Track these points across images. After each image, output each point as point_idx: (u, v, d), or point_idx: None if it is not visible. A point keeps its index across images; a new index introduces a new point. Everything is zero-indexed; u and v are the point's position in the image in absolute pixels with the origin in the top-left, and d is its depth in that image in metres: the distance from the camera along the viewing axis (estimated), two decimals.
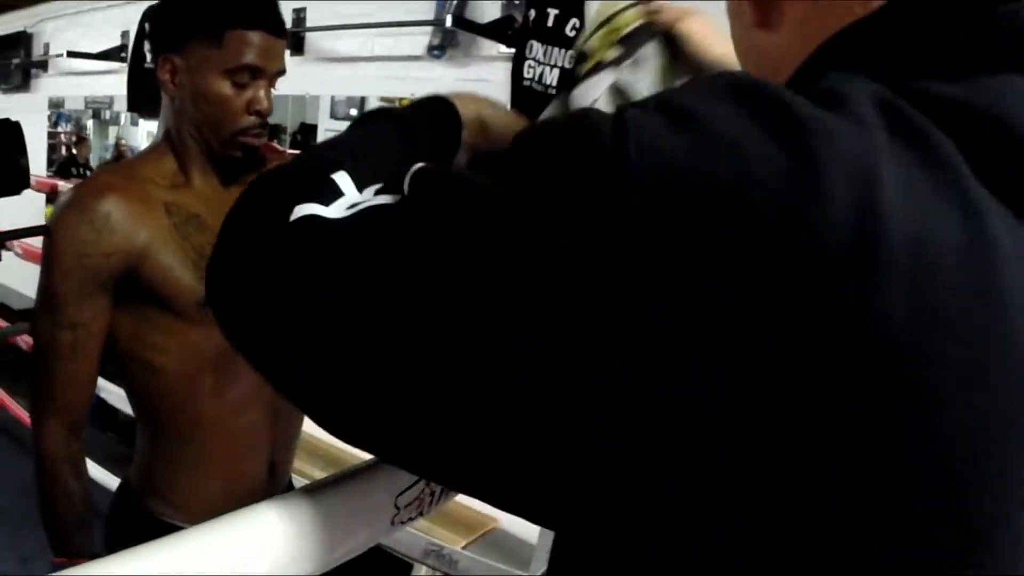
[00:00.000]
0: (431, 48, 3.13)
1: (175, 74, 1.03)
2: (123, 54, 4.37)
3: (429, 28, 3.09)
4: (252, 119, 1.05)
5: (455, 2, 3.02)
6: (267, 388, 1.07)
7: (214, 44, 1.00)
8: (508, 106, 3.65)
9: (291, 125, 6.04)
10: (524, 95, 3.65)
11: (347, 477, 0.60)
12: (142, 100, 3.81)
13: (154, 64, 1.06)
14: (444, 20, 2.95)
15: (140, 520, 1.11)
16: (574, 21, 3.57)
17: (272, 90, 1.05)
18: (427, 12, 3.07)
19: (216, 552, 0.47)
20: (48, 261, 1.01)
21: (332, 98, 5.29)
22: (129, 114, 4.96)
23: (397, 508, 0.63)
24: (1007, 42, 0.39)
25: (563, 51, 3.68)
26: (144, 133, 5.03)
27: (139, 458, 1.14)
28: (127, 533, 1.12)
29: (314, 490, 0.56)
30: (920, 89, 0.37)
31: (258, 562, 0.49)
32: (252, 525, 0.50)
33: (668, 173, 0.33)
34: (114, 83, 4.38)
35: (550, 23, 3.58)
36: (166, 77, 1.04)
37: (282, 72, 1.07)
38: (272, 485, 1.18)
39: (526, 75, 3.57)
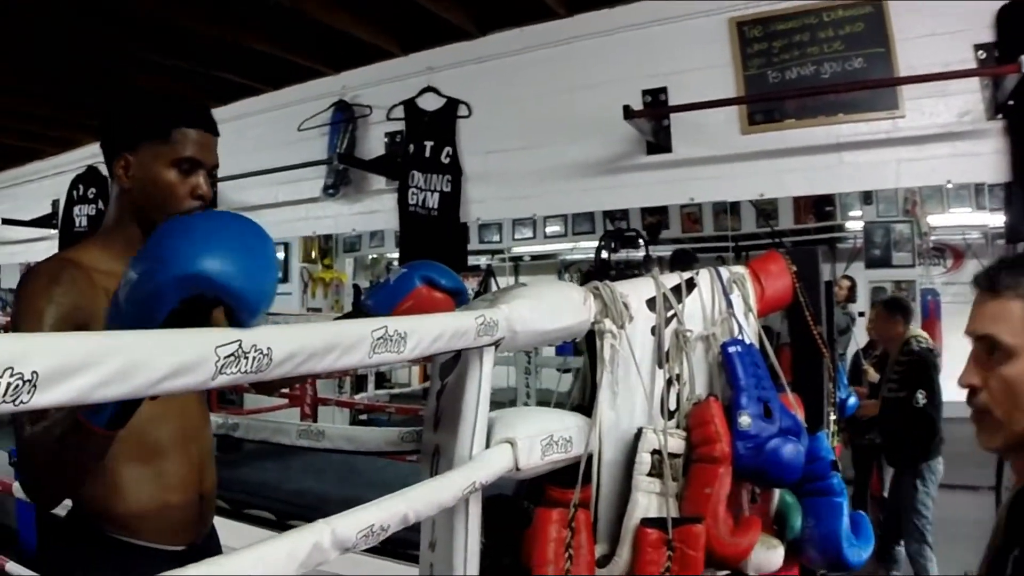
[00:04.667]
0: (326, 188, 3.40)
1: (128, 168, 1.20)
2: (54, 221, 4.62)
3: (324, 172, 3.38)
4: (195, 203, 1.20)
5: (346, 144, 3.33)
6: (190, 440, 1.26)
7: (163, 140, 1.19)
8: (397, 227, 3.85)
9: None
10: (410, 219, 3.92)
11: None
12: None
13: (108, 167, 1.22)
14: (332, 159, 3.24)
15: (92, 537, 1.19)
16: (448, 150, 3.90)
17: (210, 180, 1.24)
18: (321, 158, 3.39)
19: None
20: (23, 316, 1.11)
21: None
22: None
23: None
24: None
25: (441, 176, 4.00)
26: None
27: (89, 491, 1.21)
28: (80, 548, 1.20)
29: None
30: None
31: None
32: None
33: None
34: (47, 249, 4.60)
35: (427, 154, 3.91)
36: (120, 172, 1.20)
37: (216, 166, 1.25)
38: (203, 509, 1.30)
39: (410, 201, 3.87)
